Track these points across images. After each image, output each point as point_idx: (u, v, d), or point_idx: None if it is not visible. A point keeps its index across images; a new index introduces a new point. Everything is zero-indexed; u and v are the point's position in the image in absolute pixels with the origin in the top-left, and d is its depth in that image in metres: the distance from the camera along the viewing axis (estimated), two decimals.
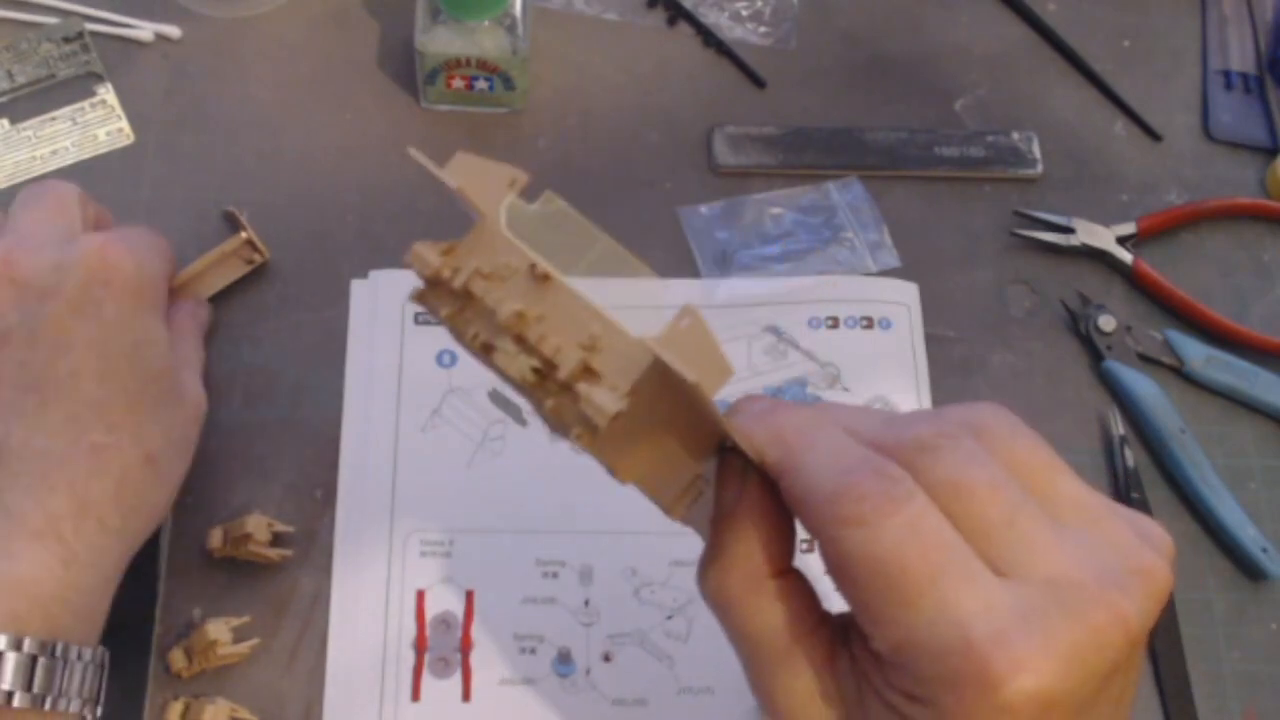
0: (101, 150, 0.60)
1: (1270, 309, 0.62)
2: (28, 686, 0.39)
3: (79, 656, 0.41)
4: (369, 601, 0.51)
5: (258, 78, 0.63)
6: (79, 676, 0.41)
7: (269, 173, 0.60)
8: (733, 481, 0.33)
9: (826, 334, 0.58)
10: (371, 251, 0.58)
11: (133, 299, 0.45)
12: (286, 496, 0.53)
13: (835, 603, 0.32)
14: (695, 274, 0.60)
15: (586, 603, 0.52)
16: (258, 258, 0.57)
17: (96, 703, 0.43)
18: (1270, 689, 0.54)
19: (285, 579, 0.52)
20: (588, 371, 0.30)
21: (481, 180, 0.31)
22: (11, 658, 0.39)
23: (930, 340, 0.59)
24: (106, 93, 0.62)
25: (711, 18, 0.67)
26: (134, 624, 0.50)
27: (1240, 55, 0.69)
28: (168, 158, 0.60)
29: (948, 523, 0.28)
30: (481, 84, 0.61)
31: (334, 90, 0.63)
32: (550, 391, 0.31)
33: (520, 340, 0.31)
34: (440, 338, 0.56)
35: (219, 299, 0.57)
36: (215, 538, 0.51)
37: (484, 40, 0.59)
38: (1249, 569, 0.56)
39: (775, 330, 0.58)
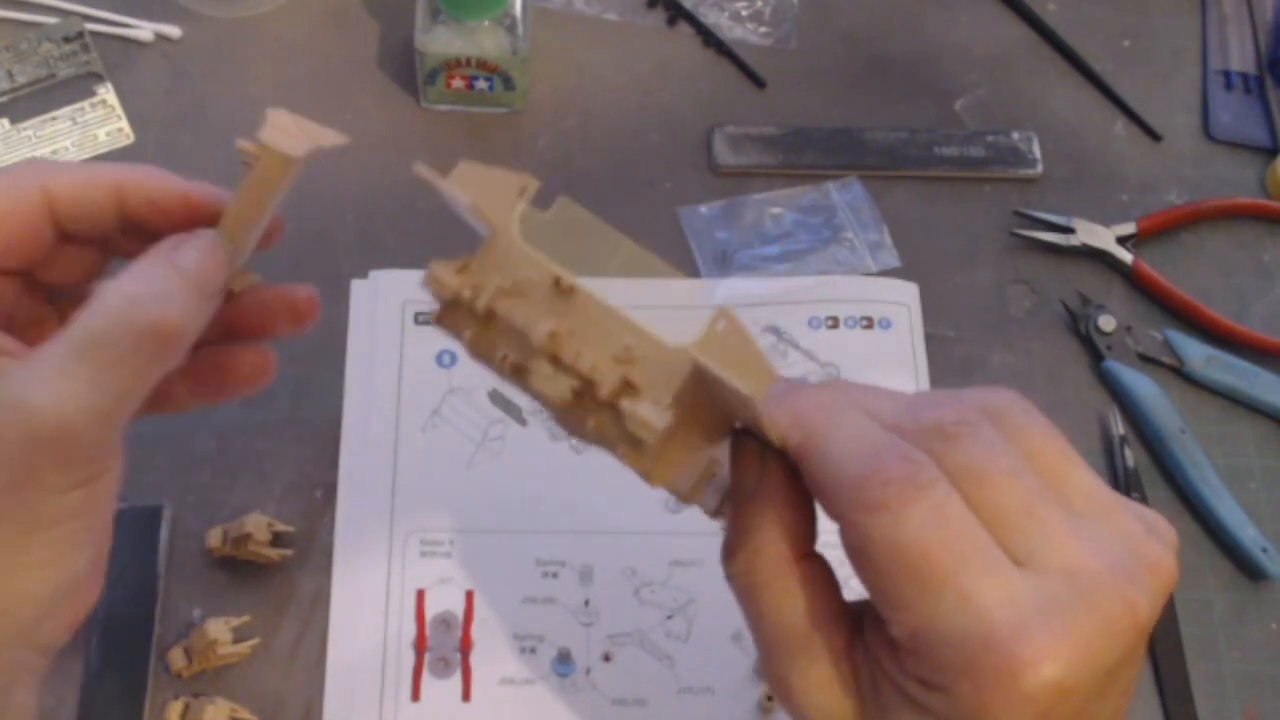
0: (101, 150, 0.60)
1: (1270, 309, 0.62)
2: None
3: None
4: (369, 601, 0.51)
5: (258, 78, 0.63)
6: None
7: None
8: (751, 464, 0.33)
9: (826, 334, 0.58)
10: (371, 251, 0.58)
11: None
12: (286, 496, 0.53)
13: (853, 588, 0.32)
14: (695, 274, 0.60)
15: (586, 603, 0.52)
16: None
17: None
18: (1270, 689, 0.54)
19: (285, 579, 0.52)
20: (627, 386, 0.29)
21: (490, 190, 0.30)
22: None
23: (930, 340, 0.59)
24: (106, 93, 0.62)
25: (711, 18, 0.67)
26: (134, 624, 0.50)
27: (1240, 55, 0.69)
28: (168, 158, 0.60)
29: (970, 511, 0.29)
30: (481, 84, 0.61)
31: (334, 90, 0.63)
32: (589, 410, 0.30)
33: (555, 360, 0.30)
34: (440, 338, 0.56)
35: None
36: (215, 538, 0.51)
37: (484, 40, 0.59)
38: (1249, 569, 0.56)
39: (775, 330, 0.58)
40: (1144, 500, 0.56)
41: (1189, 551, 0.56)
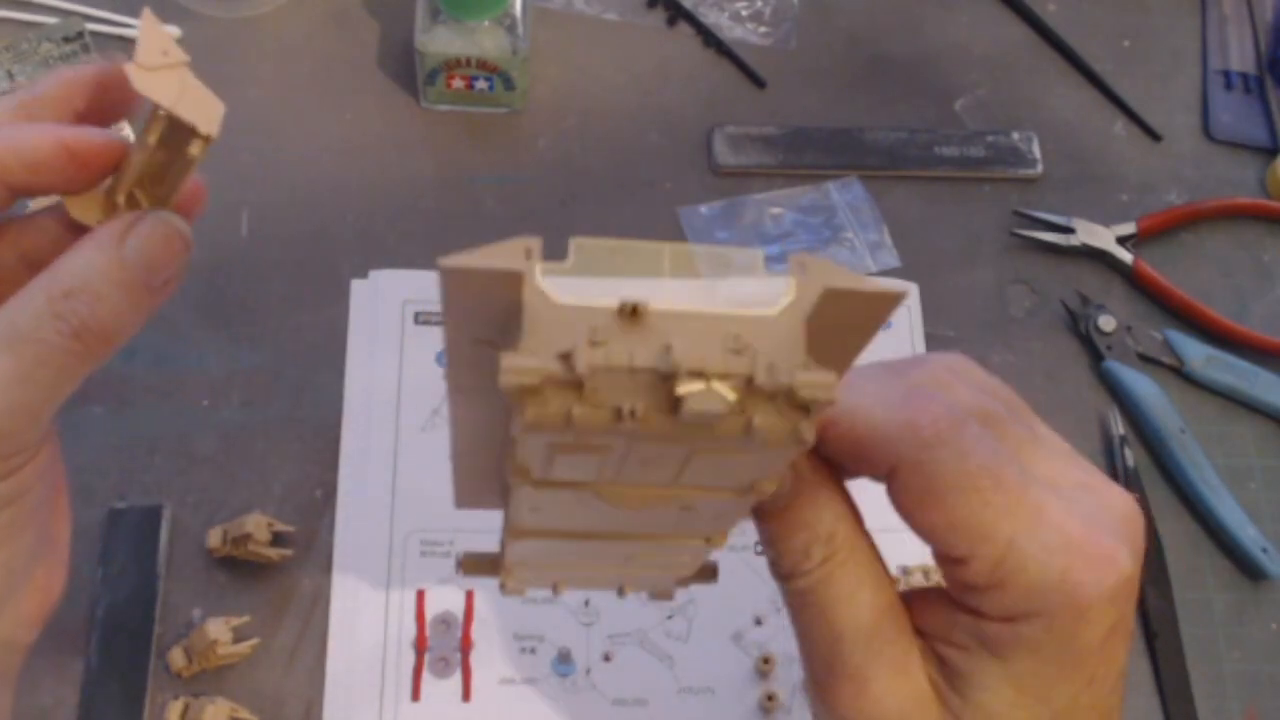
0: None
1: (1270, 309, 0.62)
2: None
3: None
4: (369, 601, 0.51)
5: (258, 78, 0.63)
6: None
7: (269, 173, 0.60)
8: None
9: None
10: (371, 251, 0.58)
11: None
12: (286, 496, 0.53)
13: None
14: (696, 274, 0.60)
15: (586, 602, 0.52)
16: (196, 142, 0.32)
17: None
18: (1270, 689, 0.54)
19: (285, 579, 0.52)
20: (773, 370, 0.25)
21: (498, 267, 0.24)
22: None
23: (930, 340, 0.59)
24: None
25: (711, 18, 0.67)
26: (134, 624, 0.50)
27: (1240, 55, 0.69)
28: None
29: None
30: (481, 84, 0.61)
31: (334, 90, 0.63)
32: (752, 409, 0.25)
33: (699, 374, 0.25)
34: (440, 338, 0.56)
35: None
36: (215, 538, 0.51)
37: (484, 40, 0.59)
38: (1249, 569, 0.56)
39: None
40: (1144, 500, 0.56)
41: (1189, 551, 0.56)
